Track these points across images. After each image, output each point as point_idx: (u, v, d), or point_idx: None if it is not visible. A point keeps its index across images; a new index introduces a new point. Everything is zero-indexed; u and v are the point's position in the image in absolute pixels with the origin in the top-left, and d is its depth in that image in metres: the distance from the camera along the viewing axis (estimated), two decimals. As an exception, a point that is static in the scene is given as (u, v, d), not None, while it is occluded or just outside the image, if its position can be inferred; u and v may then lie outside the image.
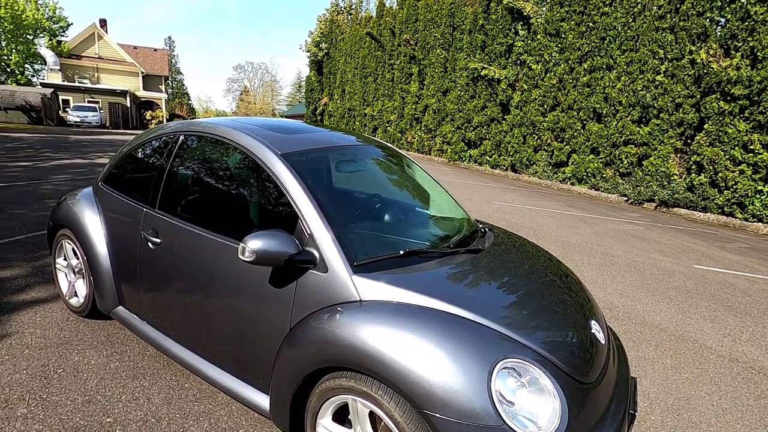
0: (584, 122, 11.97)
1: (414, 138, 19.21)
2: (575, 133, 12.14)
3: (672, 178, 9.98)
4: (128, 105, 31.40)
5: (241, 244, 1.58)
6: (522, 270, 2.01)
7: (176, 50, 63.71)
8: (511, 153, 14.29)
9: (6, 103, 24.14)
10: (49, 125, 24.65)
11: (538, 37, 13.03)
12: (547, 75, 12.83)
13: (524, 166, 13.88)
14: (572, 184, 12.38)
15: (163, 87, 36.84)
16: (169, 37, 71.20)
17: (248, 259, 1.57)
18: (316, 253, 1.65)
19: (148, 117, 32.95)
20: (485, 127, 15.30)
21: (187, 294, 2.07)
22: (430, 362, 1.33)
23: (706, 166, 9.26)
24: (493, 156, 15.09)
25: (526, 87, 13.50)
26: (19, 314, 2.79)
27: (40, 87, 27.79)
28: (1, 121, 23.63)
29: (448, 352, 1.35)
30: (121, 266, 2.43)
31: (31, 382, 2.15)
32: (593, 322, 1.80)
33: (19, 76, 29.82)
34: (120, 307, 2.51)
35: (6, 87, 25.51)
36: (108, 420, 1.93)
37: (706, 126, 9.35)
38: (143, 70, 34.36)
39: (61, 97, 28.57)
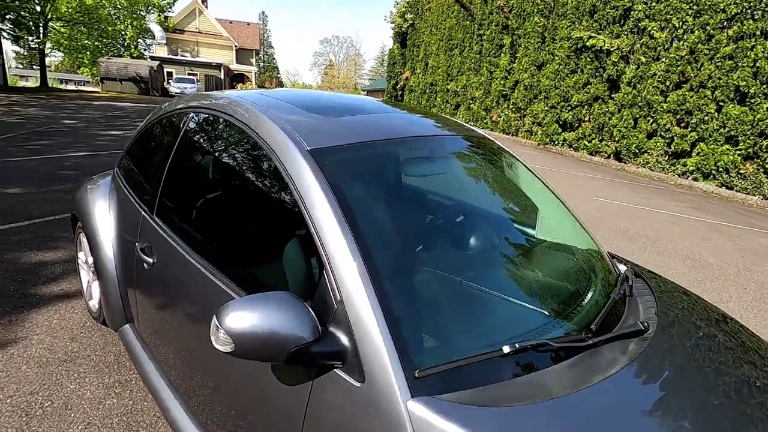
0: (721, 104, 9.69)
1: (500, 117, 17.55)
2: (706, 117, 9.91)
3: None
4: (222, 77, 33.17)
5: (214, 320, 0.88)
6: (739, 391, 1.05)
7: (269, 24, 66.04)
8: (616, 138, 12.26)
9: (121, 75, 26.67)
10: (154, 95, 26.81)
11: (667, -3, 10.72)
12: (674, 45, 10.57)
13: (632, 155, 11.84)
14: (695, 179, 10.23)
15: (254, 60, 38.35)
16: (263, 12, 74.11)
17: (224, 349, 0.87)
18: (347, 342, 0.91)
19: (239, 89, 34.64)
20: (586, 107, 13.30)
21: (180, 338, 1.47)
22: None
23: None
24: (593, 141, 13.11)
25: (643, 60, 11.31)
26: (38, 312, 2.46)
27: (149, 60, 30.30)
28: (116, 91, 26.18)
29: None
30: (125, 277, 1.93)
31: (10, 418, 1.73)
32: None
33: (132, 50, 32.73)
34: (128, 326, 2.02)
35: (121, 60, 28.11)
36: (71, 501, 1.43)
37: None
38: (237, 44, 35.94)
39: (165, 70, 30.94)
